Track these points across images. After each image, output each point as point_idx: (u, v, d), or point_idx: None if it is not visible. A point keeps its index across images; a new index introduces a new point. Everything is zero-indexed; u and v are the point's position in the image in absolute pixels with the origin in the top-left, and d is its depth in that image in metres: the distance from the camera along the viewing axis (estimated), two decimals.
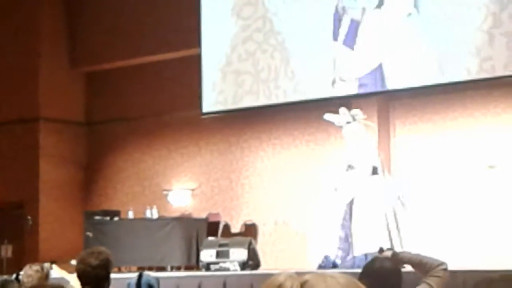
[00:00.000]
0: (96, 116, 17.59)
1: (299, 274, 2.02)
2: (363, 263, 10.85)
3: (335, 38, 13.75)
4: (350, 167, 11.98)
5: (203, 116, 15.31)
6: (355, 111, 12.23)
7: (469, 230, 13.02)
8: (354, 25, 13.61)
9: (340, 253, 11.67)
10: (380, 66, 13.32)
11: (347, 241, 11.70)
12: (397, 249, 10.73)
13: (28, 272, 7.07)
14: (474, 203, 13.06)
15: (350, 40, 13.64)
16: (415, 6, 12.99)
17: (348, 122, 12.12)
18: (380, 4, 13.36)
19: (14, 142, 16.91)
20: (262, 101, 14.58)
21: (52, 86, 17.06)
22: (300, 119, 15.00)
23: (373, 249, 11.11)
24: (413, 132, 13.93)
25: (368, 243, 11.33)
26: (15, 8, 17.11)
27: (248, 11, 14.75)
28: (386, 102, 14.11)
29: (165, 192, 16.41)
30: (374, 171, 11.88)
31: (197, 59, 15.17)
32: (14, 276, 7.68)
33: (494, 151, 13.07)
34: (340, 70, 13.75)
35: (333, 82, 13.81)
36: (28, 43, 16.98)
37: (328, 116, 12.36)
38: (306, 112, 14.75)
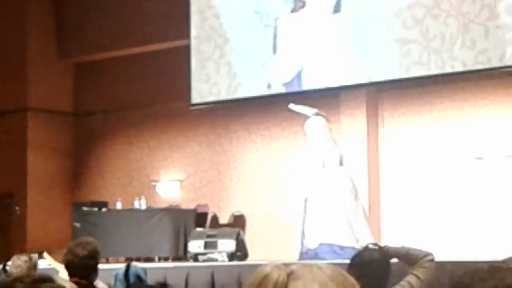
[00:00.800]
0: (85, 106, 17.55)
1: (286, 265, 2.02)
2: (320, 255, 11.12)
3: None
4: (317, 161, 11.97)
5: (192, 107, 15.29)
6: (313, 110, 12.18)
7: (457, 221, 13.06)
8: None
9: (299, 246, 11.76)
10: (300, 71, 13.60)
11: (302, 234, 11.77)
12: (360, 241, 10.98)
13: (17, 263, 7.07)
14: (462, 195, 13.09)
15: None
16: None
17: (317, 114, 12.09)
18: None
19: (2, 132, 16.86)
20: (250, 92, 14.58)
21: (40, 76, 17.01)
22: (288, 110, 14.97)
23: (330, 240, 11.34)
24: (402, 124, 13.96)
25: (325, 235, 11.44)
26: None
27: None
28: (374, 94, 14.13)
29: (153, 183, 16.40)
30: (341, 162, 11.86)
31: (187, 49, 15.14)
32: (1, 266, 7.68)
33: (482, 143, 13.10)
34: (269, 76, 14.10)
35: (268, 86, 13.96)
36: (16, 33, 16.91)
37: (293, 106, 12.30)
38: (295, 103, 14.74)
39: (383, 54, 13.11)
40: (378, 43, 13.15)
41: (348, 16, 13.50)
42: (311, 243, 11.59)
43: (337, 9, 13.66)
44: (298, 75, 14.05)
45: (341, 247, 11.32)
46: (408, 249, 4.87)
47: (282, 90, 14.25)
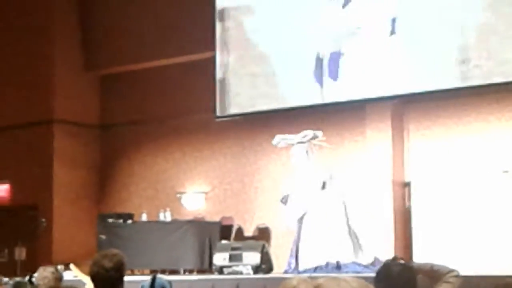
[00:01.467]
0: (110, 119, 17.62)
1: (312, 278, 2.02)
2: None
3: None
4: (300, 184, 12.21)
5: (217, 119, 15.32)
6: (306, 132, 12.45)
7: (484, 235, 12.96)
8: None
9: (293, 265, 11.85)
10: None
11: (294, 256, 11.89)
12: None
13: (43, 274, 7.09)
14: (488, 208, 13.00)
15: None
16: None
17: (300, 142, 12.36)
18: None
19: (29, 144, 16.96)
20: (276, 104, 14.58)
21: (67, 88, 17.11)
22: (313, 122, 14.95)
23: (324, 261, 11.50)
24: (427, 137, 13.90)
25: (322, 256, 11.65)
26: (29, 11, 17.18)
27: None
28: (400, 106, 14.08)
29: (178, 195, 16.42)
30: (323, 186, 12.13)
31: (212, 62, 15.18)
32: (27, 278, 7.71)
33: (509, 156, 13.02)
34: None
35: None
36: (42, 46, 17.03)
37: (278, 143, 12.66)
38: (320, 116, 14.74)
39: (409, 66, 13.07)
40: (404, 56, 13.12)
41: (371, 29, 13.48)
42: (304, 264, 11.70)
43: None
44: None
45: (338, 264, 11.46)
46: (433, 265, 4.84)
47: (307, 102, 14.22)
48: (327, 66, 13.98)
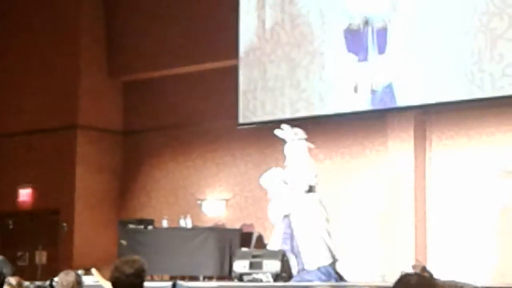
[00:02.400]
0: (133, 125, 17.69)
1: (334, 286, 2.02)
2: (314, 277, 11.36)
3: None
4: (284, 183, 12.46)
5: (239, 127, 15.33)
6: (296, 130, 12.64)
7: (506, 246, 12.90)
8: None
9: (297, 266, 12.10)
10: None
11: (296, 255, 12.13)
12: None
13: (64, 279, 7.11)
14: (511, 219, 12.93)
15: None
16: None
17: (292, 140, 12.58)
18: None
19: (51, 149, 17.06)
20: (298, 113, 14.57)
21: (91, 94, 17.21)
22: (335, 132, 14.97)
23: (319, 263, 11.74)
24: (449, 147, 13.85)
25: (310, 259, 11.94)
26: (56, 18, 17.31)
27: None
28: (422, 116, 14.04)
29: (199, 202, 16.45)
30: (310, 189, 12.37)
31: (235, 69, 15.21)
32: (48, 282, 7.75)
33: None
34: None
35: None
36: (67, 52, 17.15)
37: (277, 132, 12.77)
38: (342, 125, 14.74)
39: (432, 76, 13.03)
40: (427, 65, 13.08)
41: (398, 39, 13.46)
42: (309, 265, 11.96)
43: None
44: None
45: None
46: (457, 283, 4.81)
47: (330, 111, 14.19)
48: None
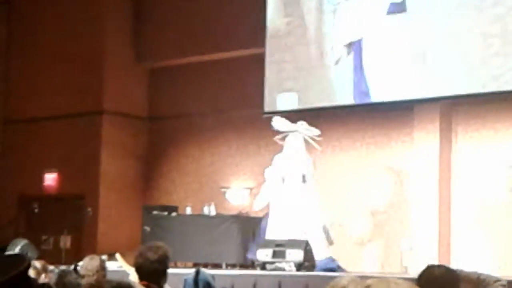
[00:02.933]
0: (159, 111, 17.73)
1: (362, 278, 2.02)
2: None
3: None
4: (284, 175, 12.83)
5: (264, 115, 15.31)
6: (300, 123, 13.01)
7: None
8: None
9: None
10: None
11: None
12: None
13: (89, 263, 7.16)
14: None
15: None
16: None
17: (293, 132, 12.92)
18: None
19: (77, 134, 17.14)
20: (324, 102, 14.54)
21: (117, 80, 17.26)
22: (361, 121, 14.92)
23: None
24: (475, 139, 13.76)
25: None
26: (83, 3, 17.34)
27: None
28: (449, 108, 13.96)
29: (223, 190, 16.46)
30: (303, 179, 12.71)
31: (261, 57, 15.18)
32: (72, 266, 7.79)
33: None
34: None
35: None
36: (94, 38, 17.19)
37: (275, 122, 13.10)
38: (368, 115, 14.69)
39: (460, 67, 12.95)
40: (455, 56, 13.00)
41: (425, 28, 13.37)
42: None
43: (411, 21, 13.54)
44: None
45: None
46: (480, 274, 4.81)
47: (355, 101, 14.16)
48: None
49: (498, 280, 4.71)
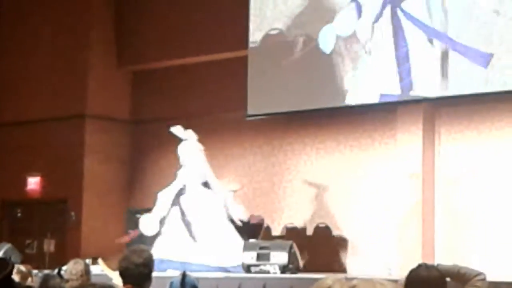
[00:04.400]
0: (142, 114, 17.69)
1: (347, 279, 2.02)
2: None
3: None
4: (184, 182, 13.23)
5: (248, 118, 15.32)
6: (189, 131, 13.45)
7: None
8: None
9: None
10: None
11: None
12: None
13: (73, 267, 7.14)
14: None
15: None
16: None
17: (186, 139, 13.31)
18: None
19: (60, 138, 17.06)
20: (306, 105, 14.56)
21: (99, 83, 17.21)
22: (344, 124, 14.95)
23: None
24: (458, 141, 13.80)
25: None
26: (64, 6, 17.29)
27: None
28: (432, 109, 14.00)
29: None
30: (205, 185, 13.10)
31: (244, 60, 15.18)
32: (56, 271, 7.77)
33: None
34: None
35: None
36: (76, 41, 17.14)
37: (174, 129, 13.50)
38: (351, 117, 14.72)
39: (442, 69, 12.99)
40: (439, 57, 13.05)
41: (409, 29, 13.42)
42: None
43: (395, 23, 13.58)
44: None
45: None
46: (460, 268, 4.85)
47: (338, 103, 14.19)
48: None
49: (478, 274, 4.75)
